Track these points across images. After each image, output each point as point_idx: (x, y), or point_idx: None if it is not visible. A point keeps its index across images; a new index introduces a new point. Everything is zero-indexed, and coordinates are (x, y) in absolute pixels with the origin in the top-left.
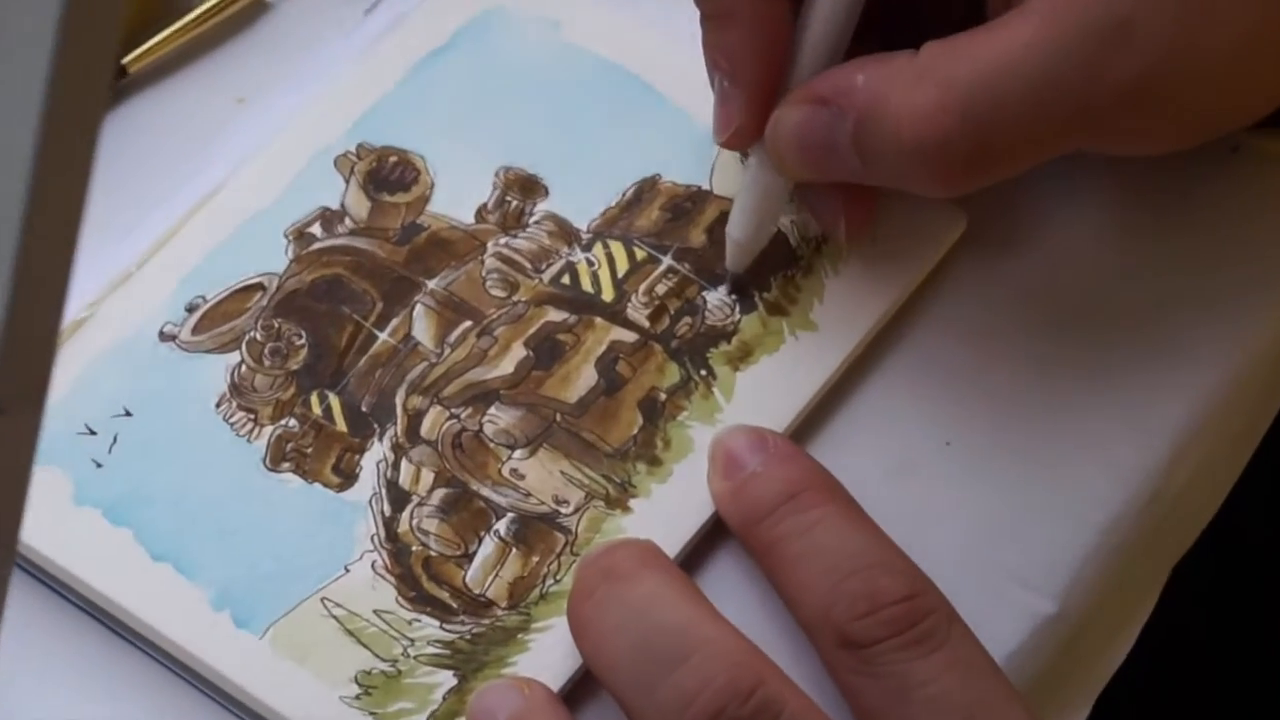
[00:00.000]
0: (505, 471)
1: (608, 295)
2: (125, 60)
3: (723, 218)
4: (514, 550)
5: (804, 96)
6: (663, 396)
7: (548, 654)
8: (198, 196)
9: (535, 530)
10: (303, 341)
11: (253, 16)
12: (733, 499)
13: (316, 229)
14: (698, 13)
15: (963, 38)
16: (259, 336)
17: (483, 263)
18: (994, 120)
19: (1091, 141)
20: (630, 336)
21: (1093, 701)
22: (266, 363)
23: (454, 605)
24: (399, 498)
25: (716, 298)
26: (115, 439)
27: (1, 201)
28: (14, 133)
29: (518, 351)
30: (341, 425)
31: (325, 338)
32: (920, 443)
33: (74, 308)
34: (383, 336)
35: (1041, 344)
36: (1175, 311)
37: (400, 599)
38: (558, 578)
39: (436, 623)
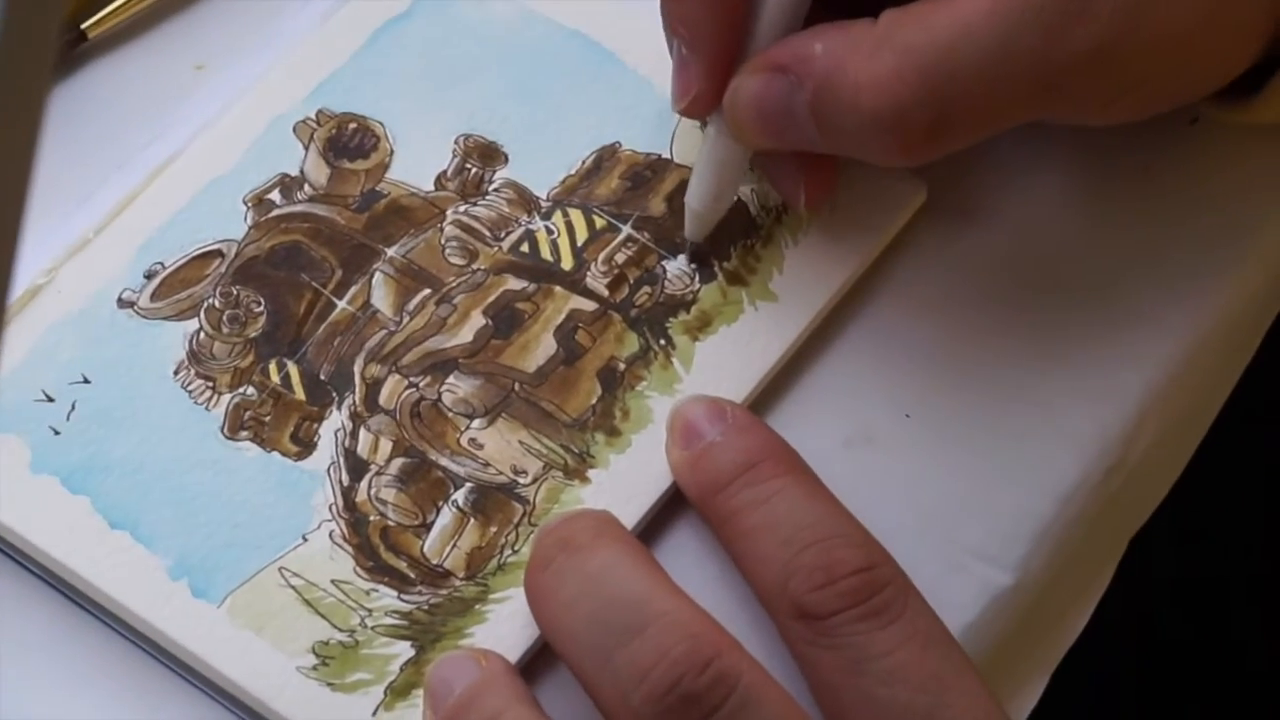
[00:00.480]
0: (464, 441)
1: (567, 264)
2: (84, 25)
3: (683, 186)
4: (472, 520)
5: (762, 64)
6: (622, 366)
7: (505, 625)
8: (156, 162)
9: (493, 500)
10: (261, 309)
11: None
12: (690, 469)
13: (275, 195)
14: None
15: (922, 6)
16: (217, 303)
17: (442, 230)
18: (952, 88)
19: (1049, 110)
20: (589, 305)
21: (1050, 673)
22: (225, 330)
23: (412, 575)
24: (357, 467)
25: (676, 267)
26: (73, 406)
27: None
28: None
29: (476, 320)
30: (300, 394)
31: (284, 305)
32: (879, 414)
33: (31, 274)
34: (341, 304)
35: (1000, 315)
36: (1133, 282)
37: (358, 569)
38: (516, 548)
39: (394, 593)
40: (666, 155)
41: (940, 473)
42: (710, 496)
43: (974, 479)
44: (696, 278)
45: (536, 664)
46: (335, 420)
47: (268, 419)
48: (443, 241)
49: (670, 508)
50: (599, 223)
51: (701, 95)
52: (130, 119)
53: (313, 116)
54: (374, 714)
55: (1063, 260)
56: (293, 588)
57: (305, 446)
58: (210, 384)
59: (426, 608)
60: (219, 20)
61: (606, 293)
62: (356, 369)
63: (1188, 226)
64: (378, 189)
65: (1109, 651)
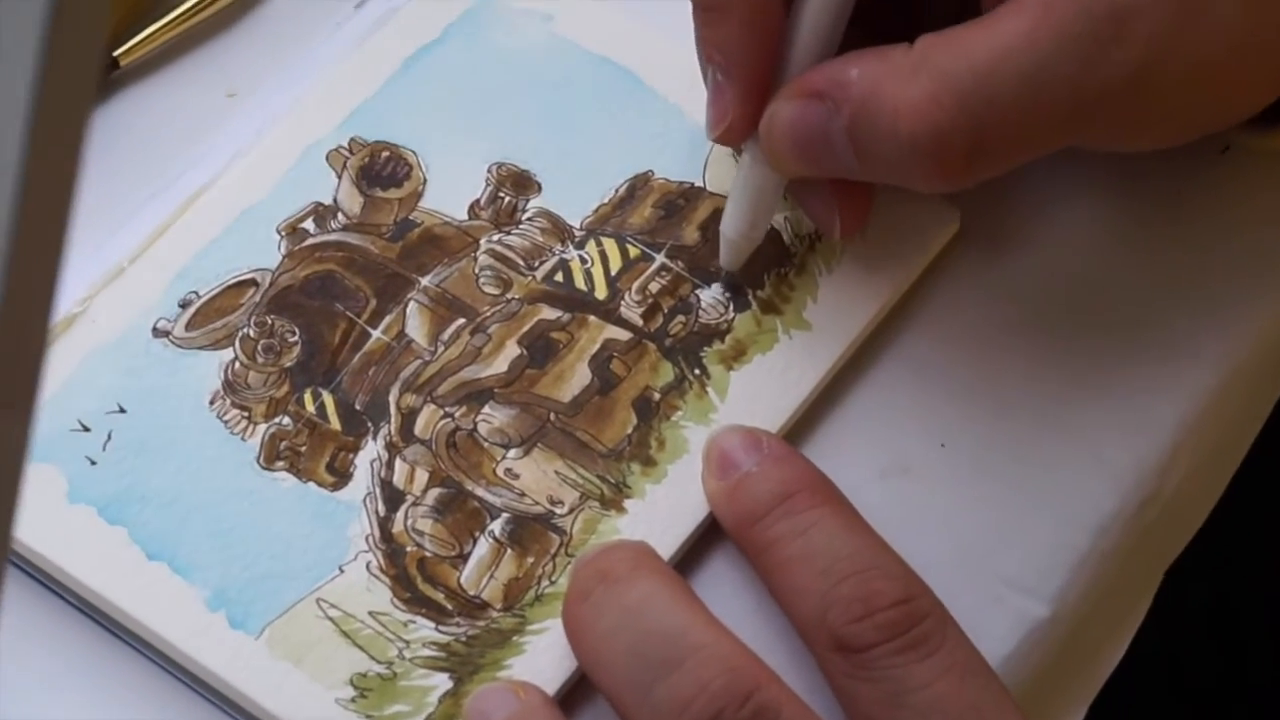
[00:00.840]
0: (500, 471)
1: (601, 293)
2: (116, 53)
3: (716, 215)
4: (509, 551)
5: (798, 91)
6: (657, 396)
7: (543, 656)
8: (190, 191)
9: (530, 531)
10: (296, 338)
11: (244, 10)
12: (727, 499)
13: (309, 224)
14: (690, 6)
15: (958, 31)
16: (252, 333)
17: (476, 259)
18: (989, 114)
19: (1085, 136)
20: (624, 335)
21: (1087, 705)
22: (260, 359)
23: (449, 607)
24: (393, 497)
25: (710, 296)
26: (109, 436)
27: None
28: (2, 129)
29: (511, 350)
30: (335, 424)
31: (318, 335)
32: (915, 444)
33: (66, 304)
34: (376, 334)
35: (1035, 344)
36: (1167, 312)
37: (395, 600)
38: (553, 579)
39: (432, 624)
40: (699, 183)
41: (976, 503)
42: (747, 527)
43: (1009, 510)
44: (731, 306)
45: (574, 696)
46: (371, 450)
47: (303, 449)
48: (477, 271)
49: (707, 538)
50: (633, 252)
51: (736, 122)
52: (163, 147)
53: (345, 145)
54: None
55: (1096, 289)
56: (330, 619)
57: (341, 477)
58: (246, 414)
59: (464, 639)
60: (250, 48)
61: (641, 322)
62: (392, 399)
63: (1220, 254)
64: (411, 218)
65: (1145, 683)
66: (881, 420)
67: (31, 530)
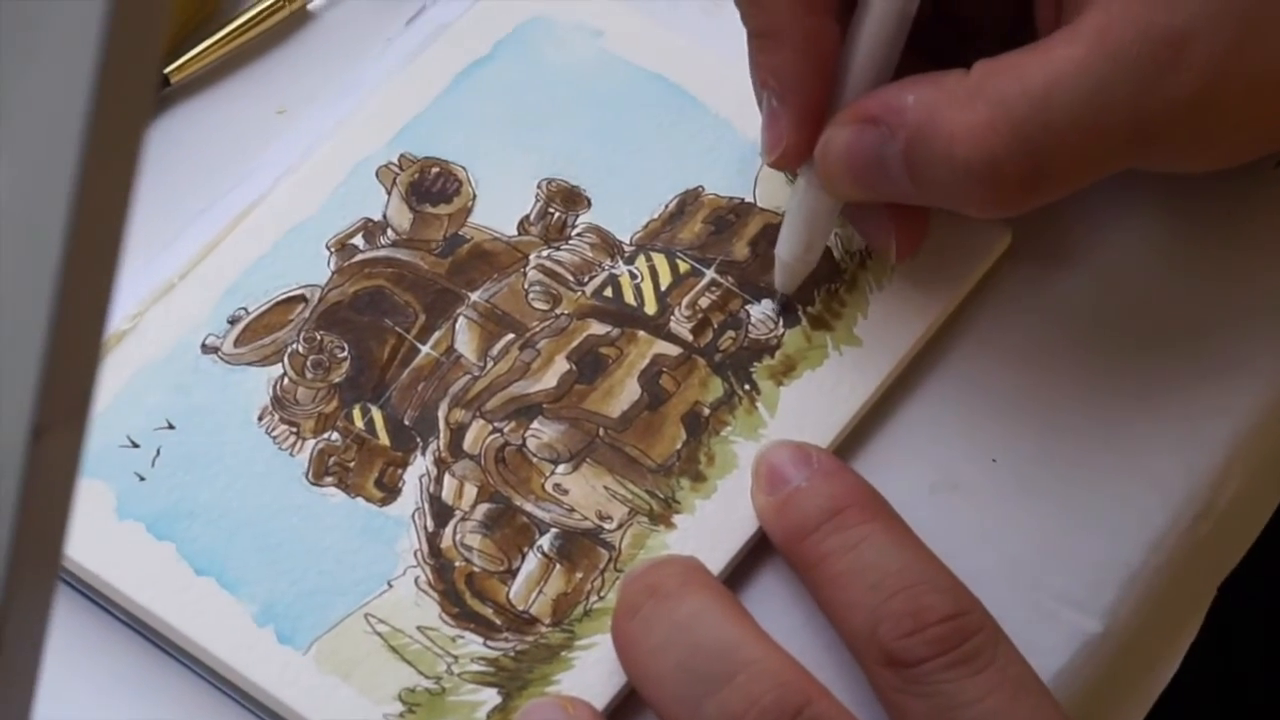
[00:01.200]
0: (548, 487)
1: (650, 308)
2: (168, 70)
3: (767, 230)
4: (557, 566)
5: (854, 116)
6: (706, 411)
7: (592, 671)
8: (240, 207)
9: (579, 546)
10: (345, 354)
11: (294, 27)
12: (776, 514)
13: (359, 240)
14: (743, 27)
15: (1014, 56)
16: (301, 349)
17: (525, 275)
18: (1046, 139)
19: (1144, 159)
20: (673, 350)
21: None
22: (309, 375)
23: (498, 622)
24: (442, 512)
25: (760, 311)
26: (158, 452)
27: (44, 216)
28: (57, 145)
29: (560, 365)
30: (384, 439)
31: (367, 350)
32: (965, 460)
33: (116, 319)
34: (425, 349)
35: (1085, 360)
36: (1219, 328)
37: (444, 615)
38: (602, 594)
39: (480, 639)
40: (750, 199)
41: (1026, 519)
42: (796, 542)
43: (1061, 525)
44: (781, 322)
45: (623, 712)
46: (420, 466)
47: (352, 464)
48: (526, 286)
49: (756, 554)
50: (683, 267)
51: (792, 148)
52: (213, 163)
53: (395, 161)
54: None
55: (1147, 306)
56: (379, 634)
57: (390, 492)
58: (294, 429)
59: (513, 654)
60: (300, 65)
61: (691, 337)
62: (441, 414)
63: (1272, 271)
64: (460, 234)
65: (1199, 699)
66: (931, 436)
67: (80, 546)
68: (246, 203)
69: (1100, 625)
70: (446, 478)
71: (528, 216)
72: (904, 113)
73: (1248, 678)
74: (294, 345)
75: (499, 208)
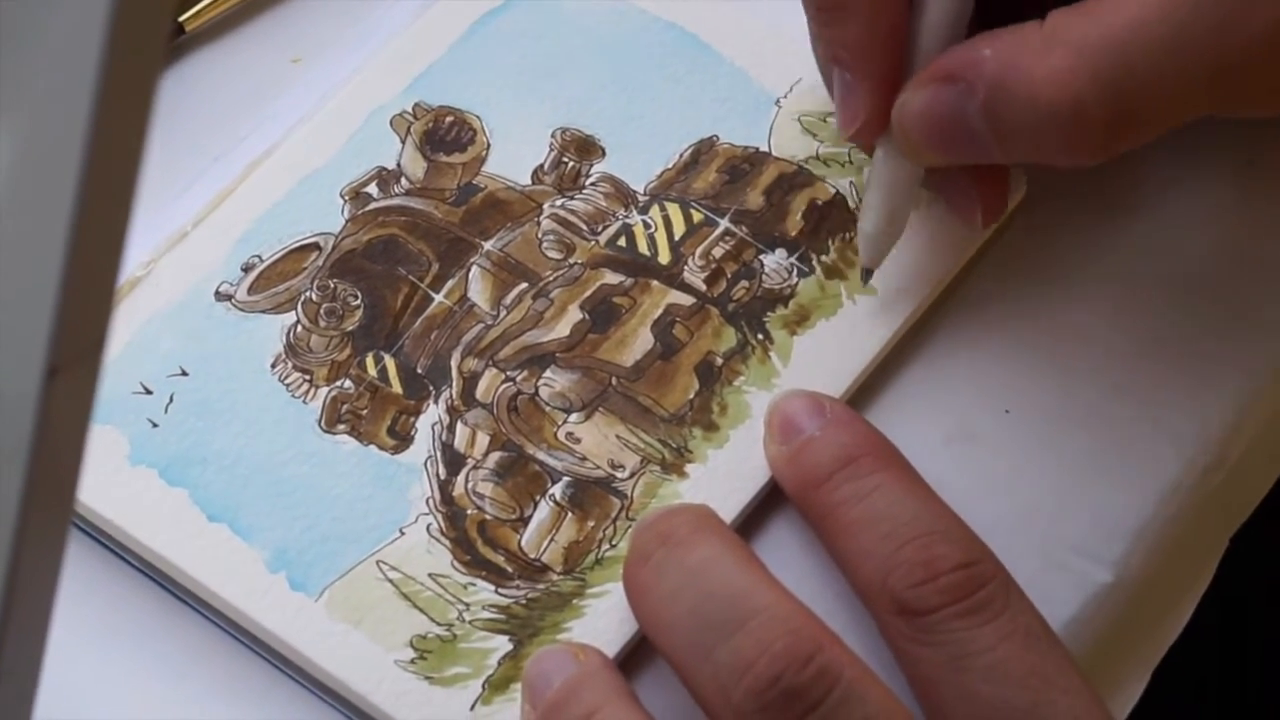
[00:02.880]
0: (561, 435)
1: (664, 258)
2: (182, 18)
3: (780, 179)
4: (569, 514)
5: (930, 76)
6: (719, 361)
7: (603, 619)
8: (254, 155)
9: (591, 494)
10: (358, 302)
11: None
12: (789, 463)
13: (373, 189)
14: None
15: (1089, 4)
16: (315, 297)
17: (539, 224)
18: (1129, 83)
19: (1223, 102)
20: (687, 300)
21: (1151, 670)
22: (322, 323)
23: (509, 569)
24: (454, 460)
25: (774, 261)
26: (171, 399)
27: (59, 159)
28: (72, 90)
29: (573, 314)
30: (397, 387)
31: (381, 299)
32: (979, 411)
33: (129, 267)
34: (438, 298)
35: (1099, 311)
36: (1234, 280)
37: (455, 563)
38: (613, 542)
39: (492, 587)
40: (764, 148)
41: (1040, 469)
42: (809, 491)
43: (1073, 476)
44: (794, 272)
45: (634, 659)
46: (432, 414)
47: (365, 412)
48: (540, 235)
49: (767, 503)
50: (696, 217)
51: (870, 120)
52: (226, 112)
53: (410, 110)
54: (471, 708)
55: (1163, 258)
56: (390, 581)
57: (402, 440)
58: (307, 377)
59: (524, 602)
60: (315, 14)
61: (704, 287)
62: (453, 363)
63: None
64: (474, 183)
65: (1210, 650)
66: (946, 387)
67: (93, 492)
68: (261, 150)
69: (1111, 575)
70: (459, 426)
71: (542, 166)
72: (981, 65)
73: (1259, 630)
74: (307, 293)
75: (513, 157)
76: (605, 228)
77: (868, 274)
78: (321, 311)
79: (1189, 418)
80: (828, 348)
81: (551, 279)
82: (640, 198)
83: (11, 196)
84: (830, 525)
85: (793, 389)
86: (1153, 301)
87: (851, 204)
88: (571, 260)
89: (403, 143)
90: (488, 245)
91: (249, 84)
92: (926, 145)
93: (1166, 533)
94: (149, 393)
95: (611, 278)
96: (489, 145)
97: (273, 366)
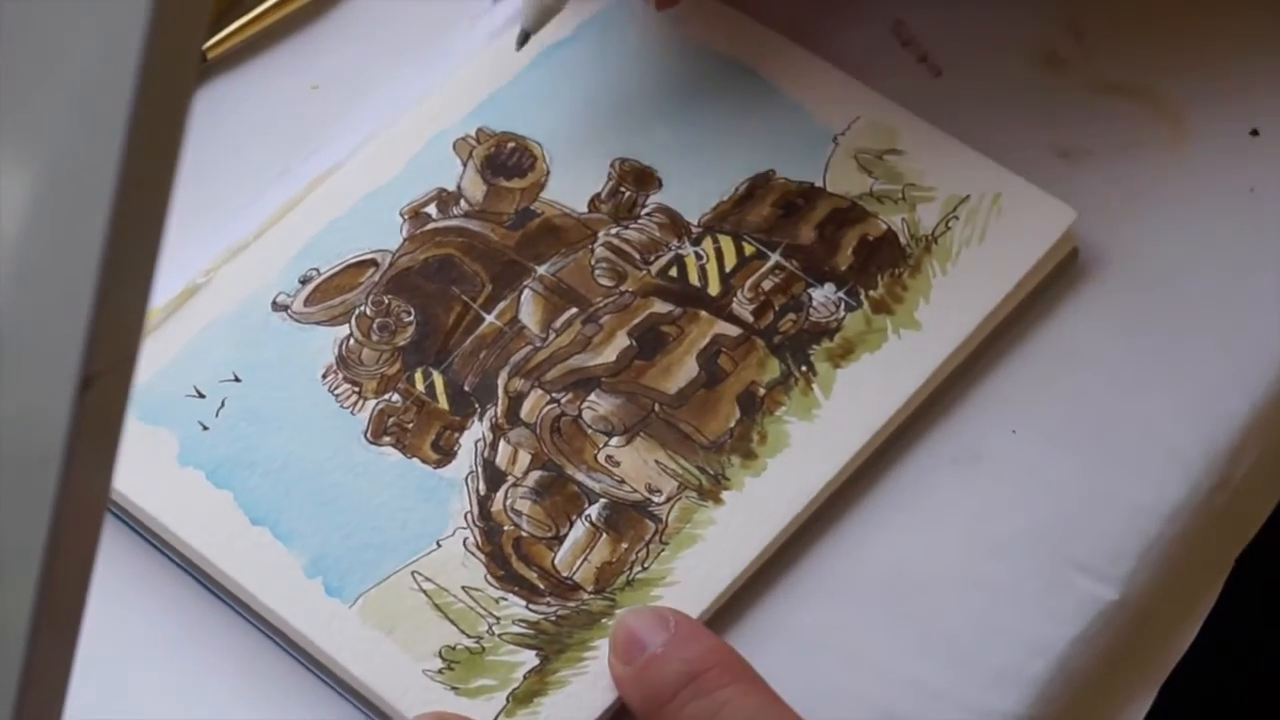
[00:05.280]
0: (601, 458)
1: (714, 289)
2: (205, 46)
3: (834, 215)
4: (604, 535)
5: None
6: (762, 391)
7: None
8: (318, 172)
9: (626, 517)
10: (411, 319)
11: (328, 4)
12: (634, 682)
13: (432, 209)
14: (813, 8)
15: None
16: (369, 311)
17: (593, 251)
18: None
19: None
20: (733, 331)
21: (1157, 688)
22: (374, 337)
23: (541, 586)
24: (495, 477)
25: (822, 295)
26: (223, 403)
27: (94, 175)
28: (108, 109)
29: (621, 340)
30: (443, 403)
31: (433, 316)
32: (985, 431)
33: (190, 274)
34: (490, 318)
35: (1105, 333)
36: (1238, 302)
37: (489, 577)
38: (645, 565)
39: (523, 602)
40: (819, 183)
41: (1046, 489)
42: (656, 710)
43: (1079, 495)
44: (842, 306)
45: None
46: (476, 431)
47: (410, 426)
48: (593, 262)
49: None
50: (748, 249)
51: None
52: (248, 138)
53: (473, 134)
54: None
55: (1167, 280)
56: (424, 592)
57: (445, 455)
58: (357, 389)
59: (554, 619)
60: (334, 41)
61: (751, 319)
62: (500, 382)
63: None
64: (532, 208)
65: (1216, 667)
66: (953, 407)
67: (140, 490)
68: (325, 168)
69: (1117, 594)
70: (501, 444)
71: (599, 194)
72: None
73: (1265, 648)
74: (362, 307)
75: (571, 184)
76: (658, 257)
77: (525, 37)
78: (375, 326)
79: (1194, 438)
80: (870, 381)
81: (602, 305)
82: (694, 229)
83: (48, 209)
84: None
85: (634, 607)
86: (1157, 323)
87: (902, 240)
88: (622, 288)
89: (464, 166)
90: (541, 269)
91: (269, 110)
92: None
93: (1172, 552)
94: (202, 396)
95: (661, 307)
96: (548, 172)
97: (323, 377)
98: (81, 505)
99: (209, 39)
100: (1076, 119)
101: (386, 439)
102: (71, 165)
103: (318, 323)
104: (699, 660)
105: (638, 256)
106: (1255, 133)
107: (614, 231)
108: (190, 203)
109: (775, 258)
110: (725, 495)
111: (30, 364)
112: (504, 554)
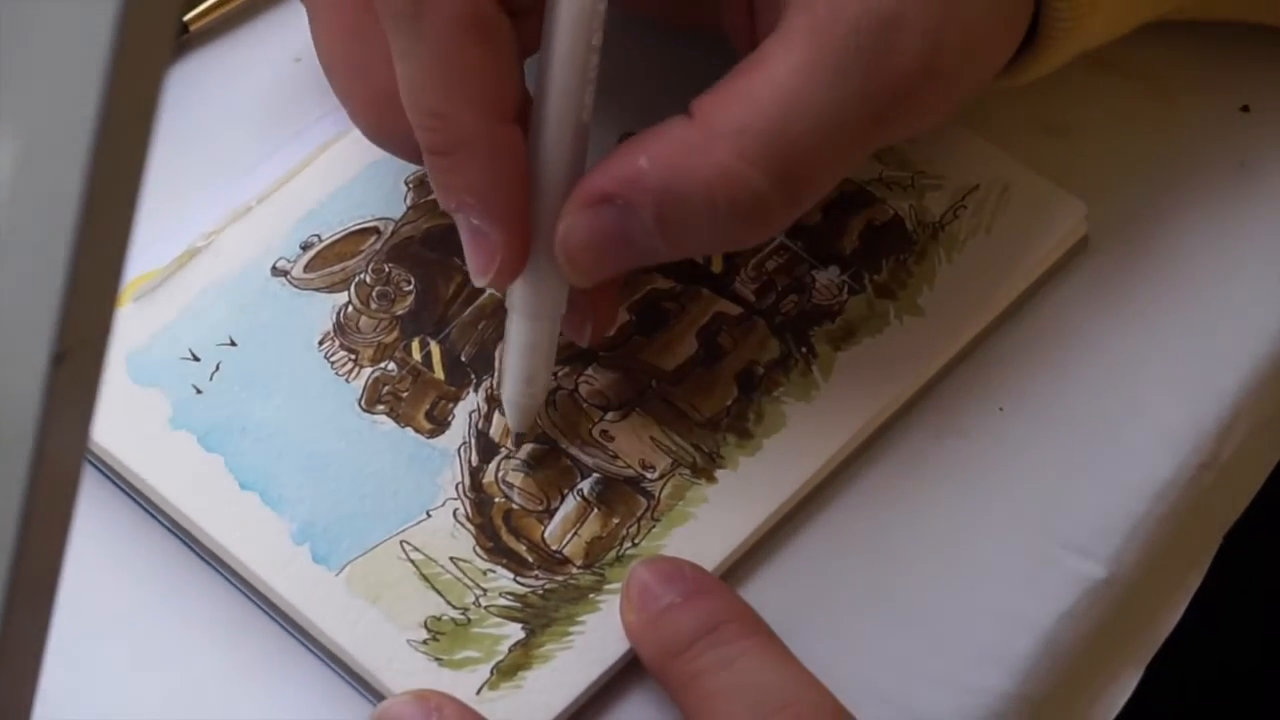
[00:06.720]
0: (595, 433)
1: (716, 267)
2: (186, 17)
3: (841, 196)
4: (595, 510)
5: (586, 199)
6: (760, 370)
7: (619, 616)
8: (324, 139)
9: (618, 492)
10: (411, 288)
11: None
12: (648, 631)
13: None
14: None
15: (734, 83)
16: (369, 279)
17: None
18: (797, 157)
19: (887, 136)
20: (735, 309)
21: (1143, 667)
22: (373, 305)
23: (530, 559)
24: (488, 448)
25: (826, 277)
26: (217, 367)
27: (66, 150)
28: (83, 81)
29: (620, 315)
30: (439, 373)
31: (433, 286)
32: (972, 408)
33: (191, 237)
34: (489, 290)
35: (1092, 308)
36: (1227, 279)
37: (478, 548)
38: (636, 541)
39: (511, 575)
40: None
41: (1032, 466)
42: (670, 660)
43: (1066, 473)
44: (845, 289)
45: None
46: (471, 402)
47: (405, 395)
48: None
49: (624, 676)
50: None
51: (507, 263)
52: (229, 111)
53: None
54: (478, 692)
55: (1156, 256)
56: (412, 561)
57: (439, 425)
58: (353, 357)
59: (541, 592)
60: None
61: (753, 298)
62: (498, 354)
63: None
64: None
65: (1204, 646)
66: (939, 383)
67: (131, 451)
68: (331, 134)
69: (1104, 572)
70: (496, 415)
71: None
72: (642, 180)
73: (1252, 627)
74: (362, 275)
75: None
76: None
77: (520, 438)
78: (374, 294)
79: (1181, 416)
80: (869, 365)
81: None
82: None
83: (20, 183)
84: (692, 695)
85: (651, 556)
86: (1145, 300)
87: (909, 226)
88: None
89: None
90: None
91: (251, 83)
92: (596, 268)
93: (1160, 530)
94: (196, 359)
95: (662, 283)
96: None
97: (320, 344)
98: (55, 481)
99: (190, 9)
100: (1065, 96)
101: (380, 407)
102: (43, 140)
103: (317, 289)
104: (715, 614)
105: None
106: (1246, 109)
107: None
108: (192, 167)
109: (780, 238)
110: (719, 474)
111: (2, 340)
112: (494, 526)
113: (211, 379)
